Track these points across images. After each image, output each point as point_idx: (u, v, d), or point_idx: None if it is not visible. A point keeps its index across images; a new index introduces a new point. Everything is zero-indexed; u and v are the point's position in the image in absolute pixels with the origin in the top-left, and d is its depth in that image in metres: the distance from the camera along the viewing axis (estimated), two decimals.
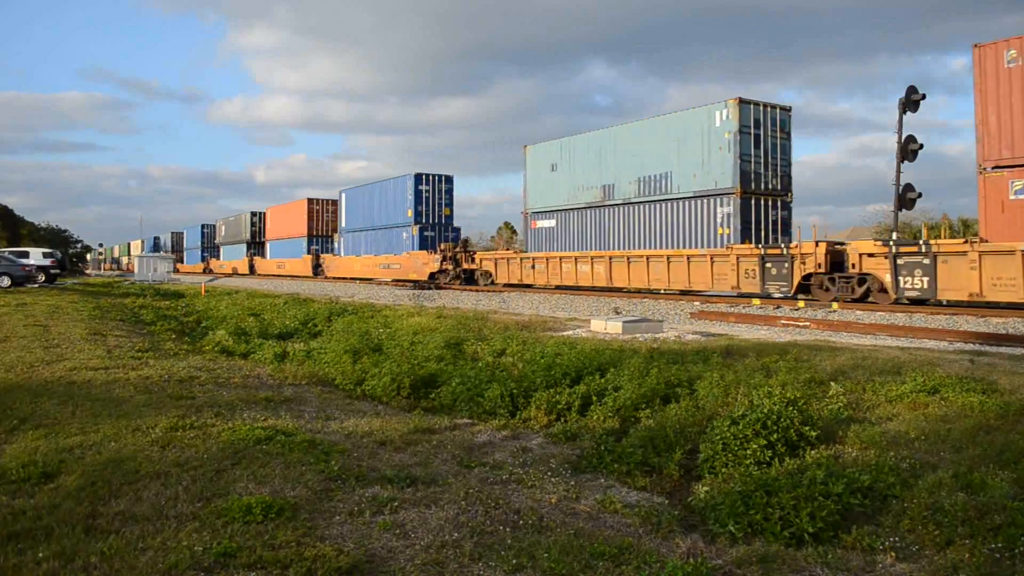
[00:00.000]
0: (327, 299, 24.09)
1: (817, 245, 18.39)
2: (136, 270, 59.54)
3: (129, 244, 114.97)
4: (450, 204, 36.71)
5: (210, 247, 76.23)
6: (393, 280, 37.49)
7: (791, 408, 6.23)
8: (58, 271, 39.03)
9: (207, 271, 72.43)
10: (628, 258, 23.31)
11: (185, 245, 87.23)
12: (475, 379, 9.09)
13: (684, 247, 21.87)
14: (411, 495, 4.93)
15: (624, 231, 24.28)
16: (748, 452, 5.75)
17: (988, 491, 4.75)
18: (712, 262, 20.48)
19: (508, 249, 45.17)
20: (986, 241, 15.30)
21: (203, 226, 78.16)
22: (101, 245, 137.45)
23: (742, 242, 20.40)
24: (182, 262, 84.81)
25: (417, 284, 33.72)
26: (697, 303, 20.05)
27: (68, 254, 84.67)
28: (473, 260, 32.88)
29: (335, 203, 47.11)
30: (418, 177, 36.05)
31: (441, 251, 33.59)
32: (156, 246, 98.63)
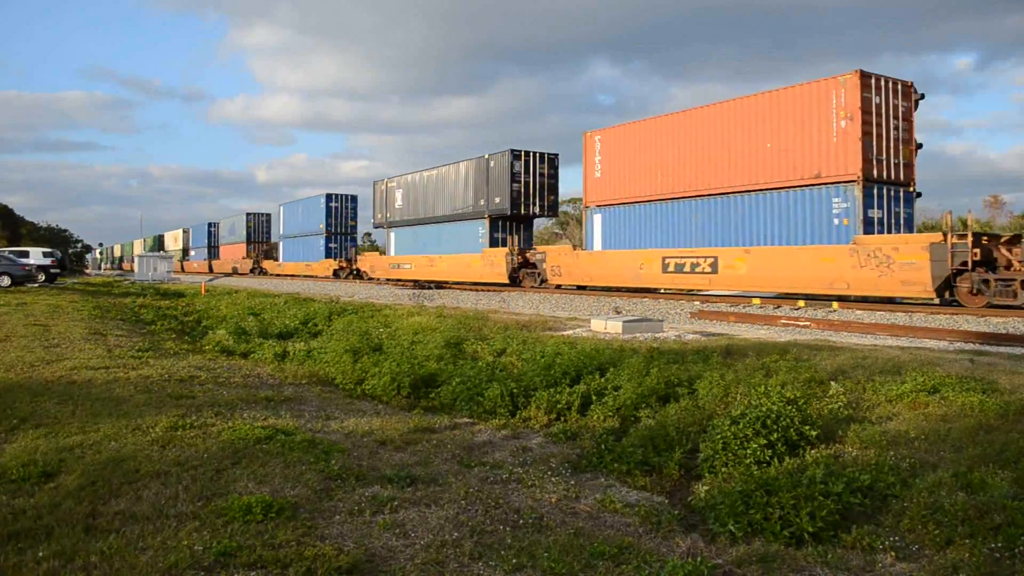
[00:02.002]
0: (327, 298, 24.10)
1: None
2: (136, 269, 57.29)
3: (162, 236, 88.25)
4: None
5: (343, 232, 46.01)
6: None
7: (791, 407, 6.23)
8: (58, 271, 39.05)
9: (346, 274, 43.46)
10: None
11: (278, 231, 55.33)
12: (475, 378, 9.09)
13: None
14: (411, 494, 4.93)
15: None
16: (748, 451, 5.75)
17: (988, 491, 4.75)
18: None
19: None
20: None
21: (330, 196, 45.54)
22: (101, 244, 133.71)
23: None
24: (270, 257, 57.68)
25: None
26: (697, 303, 20.07)
27: (68, 254, 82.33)
28: None
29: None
30: None
31: None
32: (211, 237, 69.58)
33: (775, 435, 5.86)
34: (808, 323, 14.44)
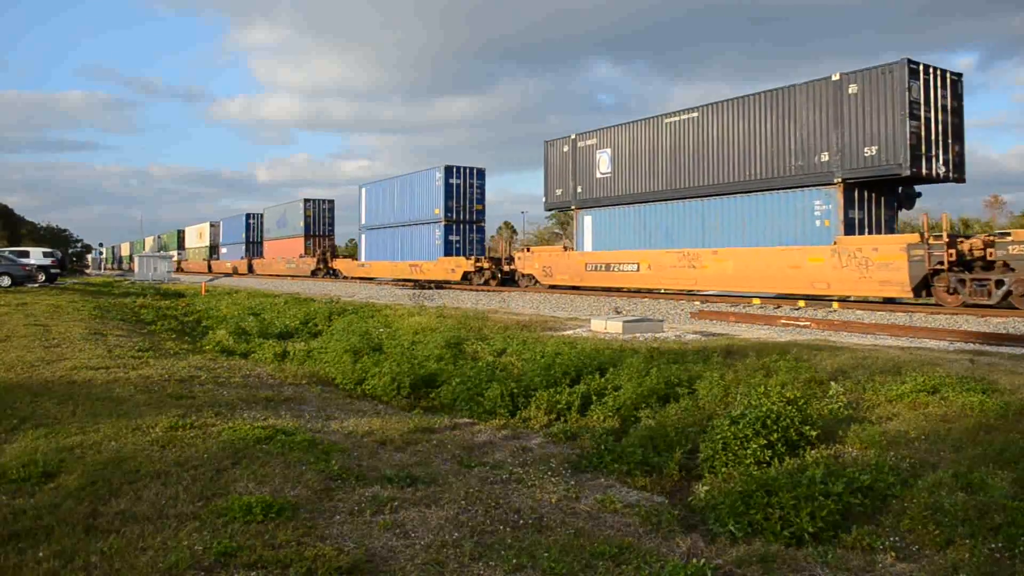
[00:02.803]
0: (327, 298, 24.09)
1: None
2: (136, 269, 57.45)
3: (182, 232, 76.45)
4: None
5: (468, 220, 33.52)
6: None
7: (791, 408, 6.23)
8: (58, 271, 39.05)
9: (487, 277, 30.73)
10: None
11: (359, 220, 41.66)
12: (475, 379, 9.09)
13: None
14: (411, 495, 4.93)
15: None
16: (748, 452, 5.75)
17: (988, 491, 4.75)
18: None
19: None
20: None
21: (450, 171, 32.98)
22: (101, 244, 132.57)
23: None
24: (337, 255, 47.19)
25: None
26: (697, 303, 20.06)
27: (68, 254, 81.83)
28: None
29: None
30: None
31: None
32: (250, 231, 58.09)
33: (775, 435, 5.86)
34: (808, 323, 14.44)
